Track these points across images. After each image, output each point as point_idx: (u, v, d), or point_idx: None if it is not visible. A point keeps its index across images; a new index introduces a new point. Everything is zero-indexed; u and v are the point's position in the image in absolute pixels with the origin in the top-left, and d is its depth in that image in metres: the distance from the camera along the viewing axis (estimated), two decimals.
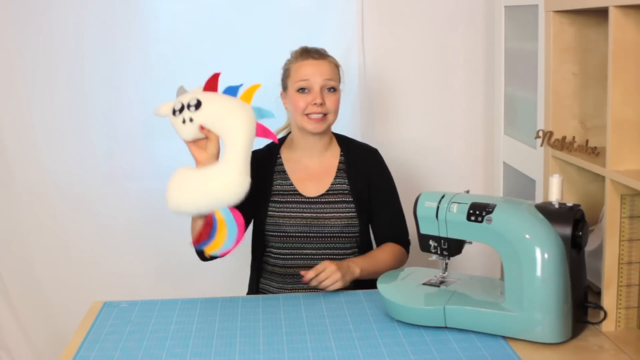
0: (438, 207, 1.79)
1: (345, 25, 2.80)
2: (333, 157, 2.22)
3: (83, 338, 1.78)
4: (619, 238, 1.70)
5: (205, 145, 1.88)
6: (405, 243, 2.23)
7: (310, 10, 2.82)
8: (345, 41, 2.80)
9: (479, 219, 1.72)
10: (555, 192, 1.71)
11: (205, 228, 1.85)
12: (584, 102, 1.97)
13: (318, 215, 2.15)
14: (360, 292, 2.01)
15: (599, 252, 1.81)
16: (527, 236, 1.65)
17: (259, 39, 2.77)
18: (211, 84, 1.91)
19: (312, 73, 2.13)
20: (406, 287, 1.85)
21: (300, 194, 2.17)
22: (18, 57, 2.78)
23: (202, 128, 1.86)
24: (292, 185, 2.18)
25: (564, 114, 1.97)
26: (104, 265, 2.93)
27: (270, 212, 2.16)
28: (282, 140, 2.27)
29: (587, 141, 1.86)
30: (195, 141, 1.89)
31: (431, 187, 2.90)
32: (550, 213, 1.67)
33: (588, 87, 1.96)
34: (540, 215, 1.67)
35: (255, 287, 2.25)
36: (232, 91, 1.91)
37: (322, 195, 2.17)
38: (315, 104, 2.11)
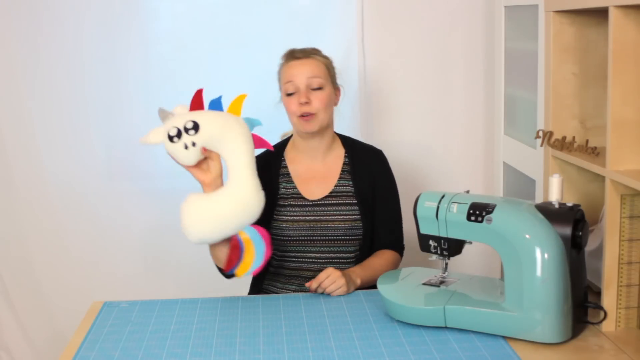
0: (438, 207, 1.79)
1: (345, 25, 2.80)
2: (337, 158, 2.21)
3: (83, 338, 1.78)
4: (619, 238, 1.70)
5: (208, 167, 1.88)
6: (400, 249, 2.23)
7: (310, 11, 2.82)
8: (345, 41, 2.80)
9: (479, 219, 1.72)
10: (555, 192, 1.71)
11: (234, 251, 1.86)
12: (584, 102, 1.97)
13: (321, 218, 2.14)
14: (360, 292, 2.01)
15: (599, 252, 1.81)
16: (527, 236, 1.65)
17: (259, 39, 2.77)
18: (197, 102, 1.88)
19: (295, 73, 2.11)
20: (406, 287, 1.85)
21: (303, 197, 2.16)
22: (18, 57, 2.78)
23: (204, 150, 1.84)
24: (295, 188, 2.17)
25: (564, 114, 1.97)
26: (104, 265, 2.93)
27: (275, 216, 2.15)
28: (286, 142, 2.26)
29: (587, 141, 1.86)
30: (199, 164, 1.87)
31: (431, 187, 2.91)
32: (550, 213, 1.67)
33: (588, 87, 1.96)
34: (540, 215, 1.67)
35: (258, 287, 2.24)
36: (216, 105, 1.89)
37: (326, 197, 2.16)
38: (300, 103, 2.09)
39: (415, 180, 2.90)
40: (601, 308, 1.73)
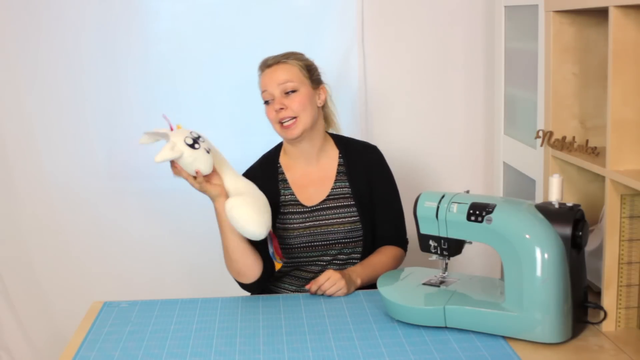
0: (438, 207, 1.79)
1: (345, 25, 2.79)
2: (331, 160, 2.19)
3: (83, 338, 1.78)
4: (619, 238, 1.70)
5: (212, 179, 1.93)
6: (403, 243, 2.22)
7: (310, 11, 2.82)
8: (345, 41, 2.80)
9: (479, 219, 1.72)
10: (555, 192, 1.71)
11: (275, 239, 2.02)
12: (584, 102, 1.97)
13: (320, 223, 2.12)
14: (360, 292, 2.01)
15: (599, 252, 1.81)
16: (527, 236, 1.65)
17: (259, 39, 2.76)
18: (170, 124, 1.93)
19: (268, 82, 2.09)
20: (406, 287, 1.85)
21: (301, 204, 2.14)
22: (18, 57, 2.78)
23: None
24: (293, 195, 2.15)
25: (564, 114, 1.97)
26: (104, 265, 2.93)
27: (277, 224, 2.13)
28: (278, 149, 2.22)
29: (587, 141, 1.86)
30: (207, 177, 1.92)
31: (431, 187, 2.91)
32: (550, 213, 1.67)
33: (588, 87, 1.96)
34: (540, 215, 1.67)
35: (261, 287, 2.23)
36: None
37: (323, 201, 2.14)
38: (276, 110, 2.07)
39: (415, 180, 2.90)
40: (601, 308, 1.73)
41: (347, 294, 1.98)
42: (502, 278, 1.79)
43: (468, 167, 2.95)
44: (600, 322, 1.73)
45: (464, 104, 2.91)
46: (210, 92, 2.84)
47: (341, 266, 2.14)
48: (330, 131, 2.25)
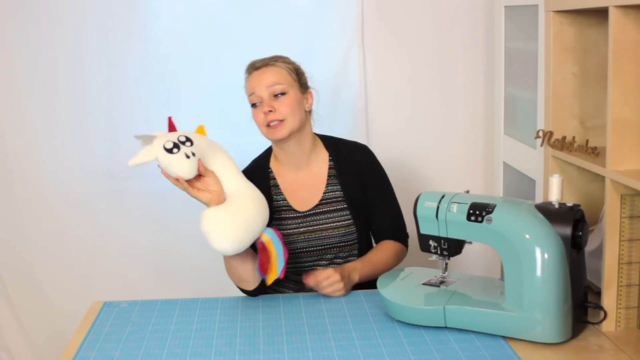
0: (438, 207, 1.79)
1: (345, 25, 2.79)
2: (322, 163, 2.16)
3: (83, 338, 1.78)
4: (619, 238, 1.70)
5: (205, 185, 1.90)
6: (403, 238, 2.21)
7: (310, 11, 2.82)
8: (345, 41, 2.80)
9: (479, 219, 1.72)
10: (555, 192, 1.71)
11: (263, 254, 1.90)
12: (584, 102, 1.97)
13: (315, 228, 2.12)
14: (360, 292, 2.01)
15: (599, 252, 1.81)
16: (527, 236, 1.65)
17: (259, 39, 2.76)
18: (172, 126, 1.91)
19: (256, 85, 2.07)
20: (406, 287, 1.85)
21: (293, 209, 2.12)
22: (18, 57, 2.78)
23: (200, 164, 1.86)
24: (285, 200, 2.13)
25: (564, 114, 1.97)
26: (104, 265, 2.94)
27: None
28: (268, 154, 2.20)
29: (587, 141, 1.86)
30: (193, 185, 1.88)
31: (431, 187, 2.90)
32: (550, 213, 1.67)
33: (588, 87, 1.96)
34: (540, 215, 1.67)
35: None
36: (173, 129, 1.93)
37: (316, 206, 2.13)
38: (264, 113, 2.05)
39: (415, 180, 2.90)
40: (601, 308, 1.73)
41: (345, 294, 1.98)
42: (502, 278, 1.79)
43: (468, 167, 2.95)
44: (600, 322, 1.73)
45: (464, 104, 2.91)
46: (210, 92, 2.84)
47: None
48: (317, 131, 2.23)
